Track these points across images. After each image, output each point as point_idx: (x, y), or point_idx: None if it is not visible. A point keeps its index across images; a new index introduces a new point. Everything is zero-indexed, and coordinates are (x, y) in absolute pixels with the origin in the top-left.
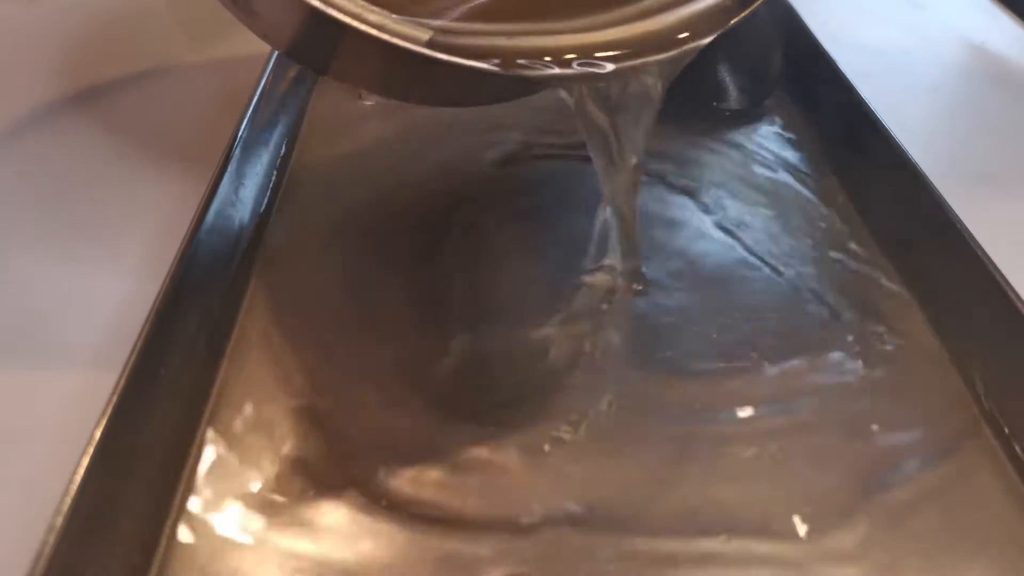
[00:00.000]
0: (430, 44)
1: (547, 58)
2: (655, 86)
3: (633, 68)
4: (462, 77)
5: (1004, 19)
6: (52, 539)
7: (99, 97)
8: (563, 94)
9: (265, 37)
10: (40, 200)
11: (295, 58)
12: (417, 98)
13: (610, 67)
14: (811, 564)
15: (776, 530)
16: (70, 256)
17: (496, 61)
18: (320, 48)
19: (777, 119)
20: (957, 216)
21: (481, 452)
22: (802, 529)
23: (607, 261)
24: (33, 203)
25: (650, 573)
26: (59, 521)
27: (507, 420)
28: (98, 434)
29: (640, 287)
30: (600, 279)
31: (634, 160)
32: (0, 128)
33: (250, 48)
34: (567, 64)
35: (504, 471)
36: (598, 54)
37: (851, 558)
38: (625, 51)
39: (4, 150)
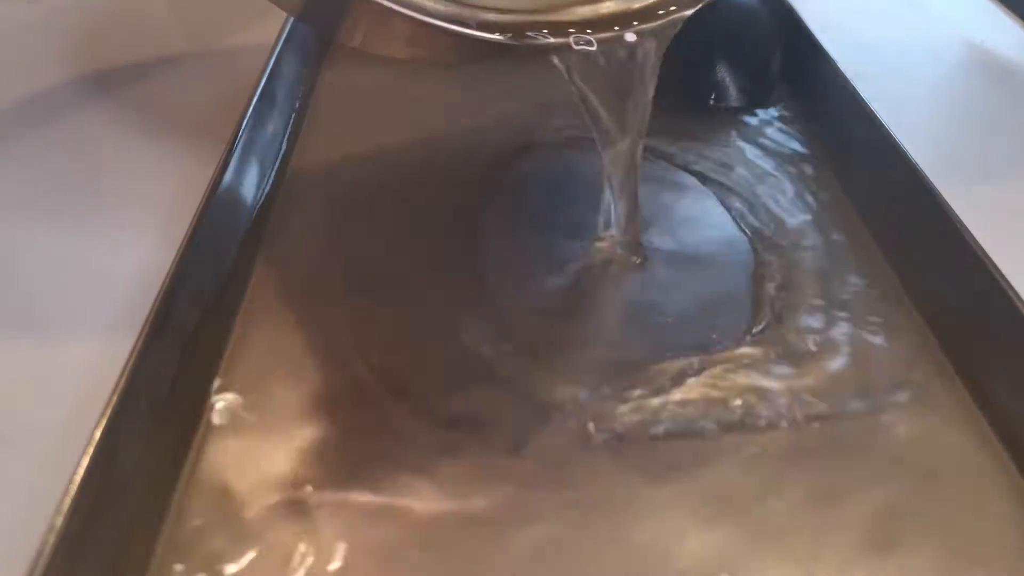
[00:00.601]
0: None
1: (544, 31)
2: (647, 59)
3: (614, 39)
4: (454, 42)
5: (1004, 19)
6: (52, 539)
7: (106, 90)
8: (556, 61)
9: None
10: (48, 191)
11: (305, 22)
12: (417, 59)
13: (594, 42)
14: (806, 540)
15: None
16: (77, 243)
17: (503, 34)
18: (326, 12)
19: (777, 119)
20: (956, 215)
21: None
22: (796, 510)
23: (610, 231)
24: (41, 195)
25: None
26: (59, 521)
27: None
28: (98, 434)
29: (638, 259)
30: (601, 249)
31: (630, 134)
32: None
33: (250, 41)
34: (564, 35)
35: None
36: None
37: (849, 535)
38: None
39: (20, 141)
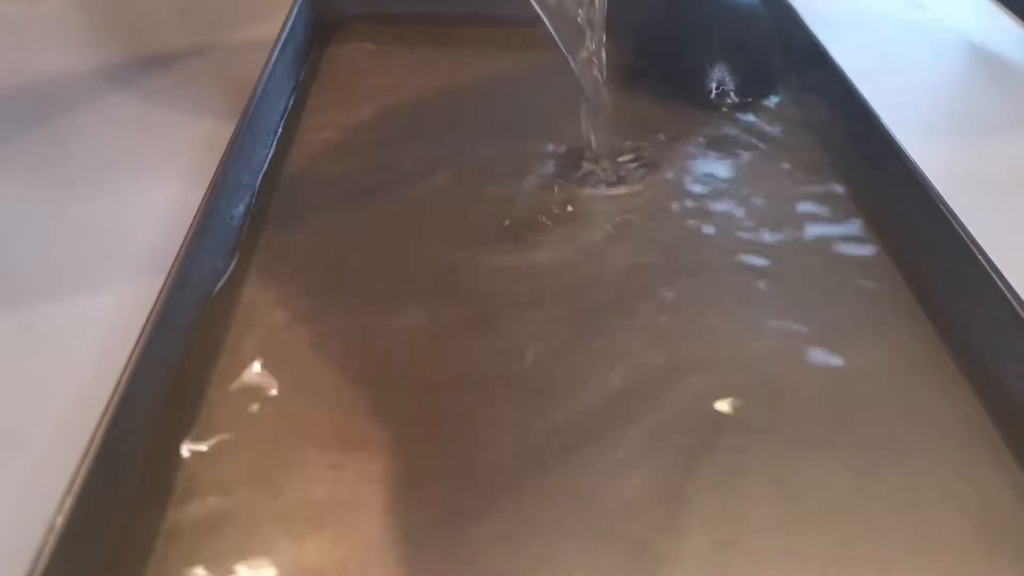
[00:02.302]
0: None
1: None
2: None
3: None
4: None
5: (1004, 19)
6: (52, 539)
7: (109, 87)
8: None
9: None
10: (49, 189)
11: None
12: None
13: None
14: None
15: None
16: (73, 238)
17: None
18: None
19: (777, 119)
20: (956, 215)
21: None
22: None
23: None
24: (43, 193)
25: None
26: (59, 521)
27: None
28: (98, 434)
29: (614, 177)
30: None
31: (591, 38)
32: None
33: (246, 37)
34: None
35: None
36: None
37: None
38: None
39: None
